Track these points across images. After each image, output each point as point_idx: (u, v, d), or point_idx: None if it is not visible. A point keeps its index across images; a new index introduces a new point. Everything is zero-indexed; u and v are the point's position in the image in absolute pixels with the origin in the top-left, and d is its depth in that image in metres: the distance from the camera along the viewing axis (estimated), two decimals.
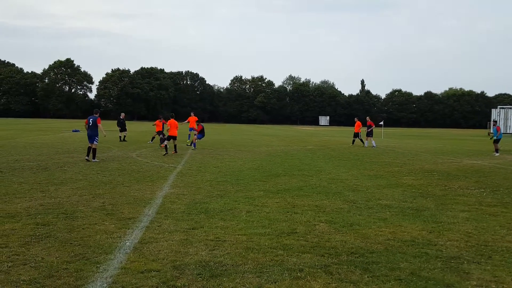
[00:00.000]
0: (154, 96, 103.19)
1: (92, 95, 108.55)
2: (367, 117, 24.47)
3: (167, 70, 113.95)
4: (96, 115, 13.60)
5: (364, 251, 4.93)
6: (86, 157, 13.28)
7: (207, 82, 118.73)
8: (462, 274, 4.28)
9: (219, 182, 9.74)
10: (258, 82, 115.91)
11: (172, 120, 16.99)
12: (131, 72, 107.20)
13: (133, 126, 48.26)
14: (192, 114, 22.68)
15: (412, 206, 7.52)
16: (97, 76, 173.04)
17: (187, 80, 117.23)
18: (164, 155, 15.78)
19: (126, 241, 5.11)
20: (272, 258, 4.62)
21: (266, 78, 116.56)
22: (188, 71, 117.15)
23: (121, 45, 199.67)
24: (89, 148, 13.39)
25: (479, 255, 4.90)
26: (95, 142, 13.41)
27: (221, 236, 5.39)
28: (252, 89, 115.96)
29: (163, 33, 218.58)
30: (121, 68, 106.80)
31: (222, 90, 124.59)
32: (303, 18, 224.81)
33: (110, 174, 10.72)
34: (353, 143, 24.22)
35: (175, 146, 16.84)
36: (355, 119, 24.39)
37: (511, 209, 7.48)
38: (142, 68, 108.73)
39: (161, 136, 20.27)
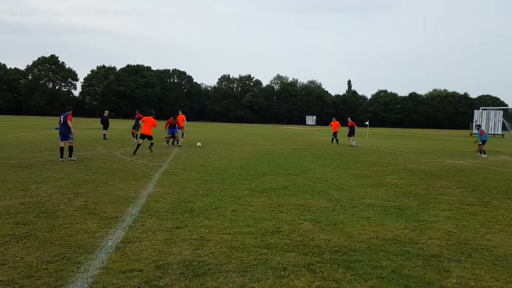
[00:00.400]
0: (140, 94, 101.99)
1: (76, 92, 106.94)
2: (349, 118, 24.98)
3: (154, 67, 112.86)
4: (68, 112, 13.09)
5: (347, 249, 4.98)
6: (61, 159, 12.56)
7: (194, 81, 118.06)
8: (443, 272, 4.35)
9: (204, 181, 9.69)
10: (246, 81, 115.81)
11: (149, 117, 15.70)
12: (117, 69, 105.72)
13: (118, 124, 47.67)
14: (180, 112, 22.50)
15: (395, 205, 7.62)
16: (82, 73, 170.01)
17: (174, 78, 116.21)
18: (151, 152, 15.53)
19: (108, 240, 5.05)
20: (256, 257, 4.62)
21: (253, 77, 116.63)
22: (175, 69, 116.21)
23: (107, 42, 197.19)
24: (61, 148, 12.75)
25: (459, 253, 5.00)
26: (70, 140, 12.90)
27: (206, 235, 5.37)
28: (239, 88, 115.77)
29: (150, 31, 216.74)
30: (106, 65, 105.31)
31: (209, 88, 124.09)
32: (291, 18, 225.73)
33: (93, 172, 10.56)
34: (337, 143, 24.46)
35: (150, 146, 15.67)
36: (333, 118, 25.05)
37: (491, 208, 7.65)
38: (128, 66, 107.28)
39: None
